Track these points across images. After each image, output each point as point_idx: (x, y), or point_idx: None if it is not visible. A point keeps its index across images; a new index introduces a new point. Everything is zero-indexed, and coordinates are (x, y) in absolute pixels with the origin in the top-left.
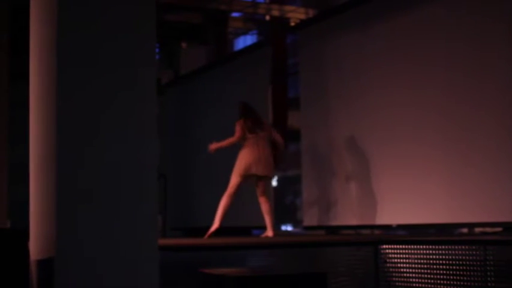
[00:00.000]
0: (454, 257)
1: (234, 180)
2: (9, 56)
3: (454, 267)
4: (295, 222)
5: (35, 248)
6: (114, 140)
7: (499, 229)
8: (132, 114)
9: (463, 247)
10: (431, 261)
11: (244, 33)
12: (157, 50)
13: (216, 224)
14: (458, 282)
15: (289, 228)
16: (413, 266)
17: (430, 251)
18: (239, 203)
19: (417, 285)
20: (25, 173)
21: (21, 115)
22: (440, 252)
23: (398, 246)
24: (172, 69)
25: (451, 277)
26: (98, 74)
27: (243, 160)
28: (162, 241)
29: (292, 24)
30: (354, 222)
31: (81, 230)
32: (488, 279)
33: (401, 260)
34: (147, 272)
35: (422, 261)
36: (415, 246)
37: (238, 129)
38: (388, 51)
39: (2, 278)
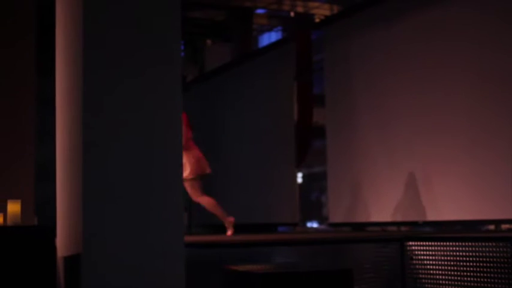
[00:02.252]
0: (480, 254)
1: (197, 183)
2: (35, 54)
3: (481, 264)
4: (321, 219)
5: (62, 244)
6: (140, 137)
7: None
8: (157, 112)
9: (490, 244)
10: (457, 258)
11: (269, 29)
12: (182, 47)
13: (229, 217)
14: (485, 279)
15: (314, 224)
16: (439, 262)
17: (457, 248)
18: (265, 200)
19: (443, 282)
20: (52, 171)
21: (48, 113)
22: (466, 249)
23: (424, 243)
24: (197, 66)
25: (478, 274)
26: (124, 72)
27: (201, 160)
28: (188, 238)
29: (317, 20)
30: (379, 218)
31: (107, 227)
32: None
33: (428, 257)
34: (173, 269)
35: (448, 258)
36: (442, 243)
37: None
38: (416, 48)
39: (29, 274)
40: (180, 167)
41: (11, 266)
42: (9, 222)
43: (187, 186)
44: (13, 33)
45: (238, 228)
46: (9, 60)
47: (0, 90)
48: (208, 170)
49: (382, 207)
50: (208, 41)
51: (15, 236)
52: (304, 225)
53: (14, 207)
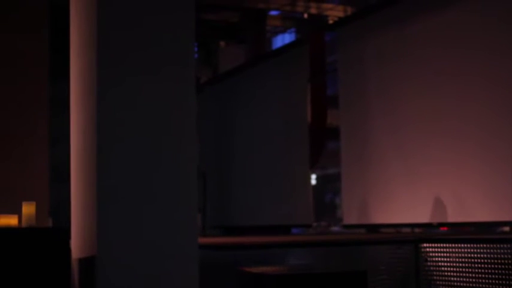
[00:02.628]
0: (495, 256)
1: None
2: (49, 54)
3: (496, 266)
4: (335, 221)
5: (77, 246)
6: (154, 139)
7: None
8: (171, 113)
9: (505, 245)
10: (472, 260)
11: (282, 31)
12: (196, 49)
13: None
14: (500, 281)
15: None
16: (454, 264)
17: (472, 250)
18: (279, 202)
19: (458, 284)
20: (66, 172)
21: (62, 115)
22: (481, 250)
23: (439, 245)
24: (211, 67)
25: (492, 276)
26: (138, 73)
27: None
28: (202, 239)
29: (331, 22)
30: (394, 220)
31: (121, 229)
32: None
33: (442, 259)
34: (187, 271)
35: (463, 259)
36: (456, 245)
37: None
38: (430, 50)
39: (44, 276)
40: (194, 168)
41: (26, 268)
42: (24, 224)
43: None
44: (27, 36)
45: (252, 230)
46: (24, 63)
47: (15, 92)
48: None
49: (396, 208)
50: (222, 43)
51: (30, 237)
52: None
53: (28, 209)
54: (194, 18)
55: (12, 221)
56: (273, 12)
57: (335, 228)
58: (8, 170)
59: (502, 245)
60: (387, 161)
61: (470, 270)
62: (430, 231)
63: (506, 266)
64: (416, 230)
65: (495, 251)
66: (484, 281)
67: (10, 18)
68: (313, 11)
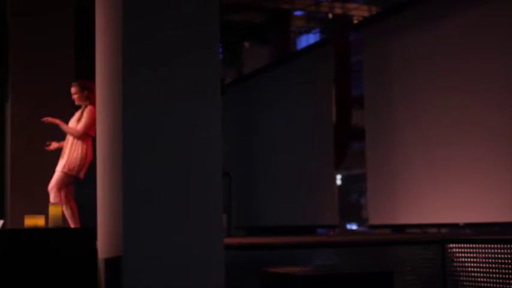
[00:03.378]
0: None
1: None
2: (75, 59)
3: None
4: (360, 221)
5: (103, 246)
6: (179, 140)
7: None
8: (196, 114)
9: None
10: (499, 261)
11: (307, 31)
12: (220, 50)
13: None
14: None
15: (354, 227)
16: (481, 265)
17: (498, 250)
18: (304, 202)
19: (485, 285)
20: (92, 173)
21: None
22: (508, 251)
23: (466, 245)
24: (236, 68)
25: None
26: (163, 75)
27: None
28: (227, 240)
29: (355, 22)
30: (420, 220)
31: (147, 229)
32: None
33: (469, 259)
34: (213, 271)
35: (490, 260)
36: (483, 245)
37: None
38: (456, 50)
39: (71, 276)
40: (219, 169)
41: (53, 268)
42: (50, 225)
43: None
44: (53, 39)
45: (277, 230)
46: (50, 66)
47: (41, 94)
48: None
49: (422, 208)
50: (247, 44)
51: (57, 238)
52: (344, 227)
53: (55, 210)
54: (219, 19)
55: (39, 221)
56: (298, 13)
57: (361, 229)
58: (36, 172)
59: None
60: (413, 161)
61: (497, 270)
62: (457, 232)
63: None
64: (443, 230)
65: None
66: (511, 281)
67: (37, 25)
68: (338, 11)
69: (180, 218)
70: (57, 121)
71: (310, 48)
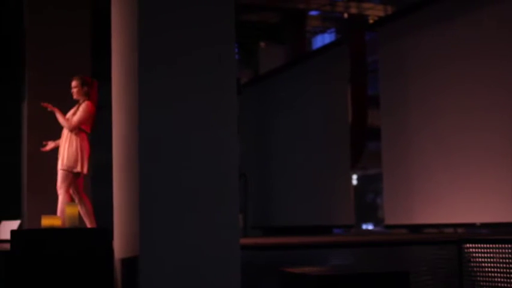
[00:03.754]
0: None
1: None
2: (91, 58)
3: None
4: (376, 221)
5: (119, 246)
6: (195, 140)
7: None
8: (212, 114)
9: None
10: None
11: (322, 31)
12: (236, 50)
13: None
14: None
15: (370, 227)
16: (498, 265)
17: None
18: (320, 202)
19: (502, 285)
20: (108, 173)
21: (104, 117)
22: None
23: (482, 245)
24: (251, 68)
25: None
26: (179, 75)
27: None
28: (243, 240)
29: (371, 21)
30: (436, 220)
31: (163, 229)
32: None
33: (486, 259)
34: (229, 271)
35: (507, 260)
36: (500, 245)
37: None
38: (473, 49)
39: (87, 276)
40: (235, 169)
41: (69, 268)
42: (67, 225)
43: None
44: (69, 38)
45: (293, 231)
46: (66, 65)
47: (58, 94)
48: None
49: (439, 208)
50: (262, 44)
51: (74, 238)
52: (360, 227)
53: (71, 210)
54: (234, 19)
55: (56, 221)
56: (313, 13)
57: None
58: (52, 172)
59: None
60: (429, 161)
61: None
62: (473, 232)
63: None
64: (459, 230)
65: None
66: None
67: (54, 25)
68: (353, 10)
69: (196, 218)
70: (55, 109)
71: (326, 48)
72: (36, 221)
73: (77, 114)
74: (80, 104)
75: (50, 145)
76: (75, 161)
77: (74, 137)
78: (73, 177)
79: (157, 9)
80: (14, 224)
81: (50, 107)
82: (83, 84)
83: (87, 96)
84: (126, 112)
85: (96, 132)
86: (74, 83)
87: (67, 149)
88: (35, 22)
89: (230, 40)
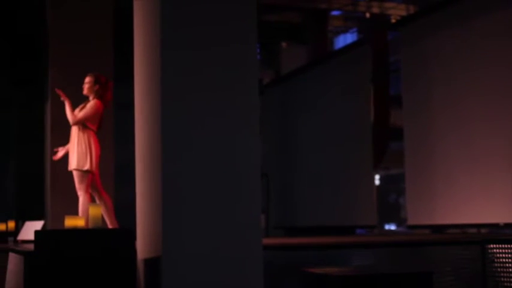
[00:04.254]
0: None
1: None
2: (113, 58)
3: None
4: (399, 221)
5: (142, 247)
6: (217, 140)
7: None
8: (235, 114)
9: None
10: None
11: (344, 31)
12: (258, 50)
13: None
14: None
15: (392, 227)
16: None
17: None
18: (342, 202)
19: None
20: (131, 174)
21: (126, 117)
22: None
23: (506, 246)
24: (273, 69)
25: None
26: (201, 75)
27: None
28: (266, 240)
29: (393, 21)
30: (459, 220)
31: (186, 230)
32: None
33: (510, 260)
34: (252, 271)
35: None
36: None
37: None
38: (496, 48)
39: (110, 276)
40: (257, 170)
41: (92, 268)
42: (90, 226)
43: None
44: (92, 38)
45: (315, 231)
46: (89, 65)
47: (80, 94)
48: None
49: (462, 208)
50: (284, 44)
51: (97, 238)
52: (382, 227)
53: (95, 211)
54: (256, 19)
55: (79, 222)
56: (335, 12)
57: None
58: None
59: None
60: (452, 161)
61: None
62: (497, 232)
63: None
64: (483, 230)
65: None
66: None
67: (76, 25)
68: (375, 10)
69: (219, 219)
70: (66, 99)
71: (348, 48)
72: (59, 221)
73: (83, 110)
74: (88, 101)
75: (61, 152)
76: (84, 160)
77: (81, 136)
78: (85, 176)
79: (180, 9)
80: (38, 225)
81: (62, 96)
82: (95, 82)
83: (97, 94)
84: (149, 112)
85: (118, 132)
86: (87, 79)
87: (76, 149)
88: (57, 21)
89: (252, 40)
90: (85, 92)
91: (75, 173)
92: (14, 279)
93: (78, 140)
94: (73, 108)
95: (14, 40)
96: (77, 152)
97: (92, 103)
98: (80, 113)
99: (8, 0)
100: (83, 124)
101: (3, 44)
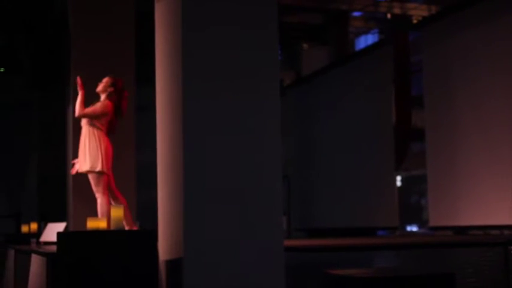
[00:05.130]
0: None
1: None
2: (135, 61)
3: None
4: (421, 223)
5: (164, 248)
6: (238, 142)
7: None
8: (256, 116)
9: None
10: None
11: (365, 32)
12: (279, 52)
13: None
14: None
15: (414, 228)
16: None
17: None
18: (364, 204)
19: None
20: (152, 176)
21: (148, 119)
22: None
23: None
24: (294, 70)
25: None
26: (222, 77)
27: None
28: (287, 242)
29: (415, 21)
30: (482, 222)
31: (208, 231)
32: None
33: None
34: (273, 273)
35: None
36: None
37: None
38: None
39: (132, 277)
40: (278, 172)
41: (114, 270)
42: (112, 227)
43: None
44: (114, 41)
45: (336, 232)
46: (110, 69)
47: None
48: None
49: (485, 210)
50: (305, 45)
51: (119, 240)
52: (404, 229)
53: (117, 212)
54: (277, 21)
55: (101, 224)
56: (356, 13)
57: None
58: None
59: None
60: (475, 162)
61: None
62: None
63: None
64: (506, 232)
65: None
66: None
67: (98, 27)
68: (397, 11)
69: (240, 220)
70: (82, 91)
71: (369, 48)
72: (81, 223)
73: (92, 106)
74: (98, 100)
75: (77, 165)
76: (97, 161)
77: (92, 138)
78: (100, 177)
79: (200, 14)
80: (60, 226)
81: (79, 86)
82: (112, 84)
83: (110, 96)
84: (170, 114)
85: (139, 133)
86: (105, 79)
87: (88, 151)
88: (79, 24)
89: (274, 42)
90: (98, 89)
91: (90, 176)
92: (36, 280)
93: (89, 141)
94: (85, 105)
95: (36, 42)
96: (89, 154)
97: (102, 102)
98: (87, 108)
99: (31, 4)
100: (91, 123)
101: (25, 46)
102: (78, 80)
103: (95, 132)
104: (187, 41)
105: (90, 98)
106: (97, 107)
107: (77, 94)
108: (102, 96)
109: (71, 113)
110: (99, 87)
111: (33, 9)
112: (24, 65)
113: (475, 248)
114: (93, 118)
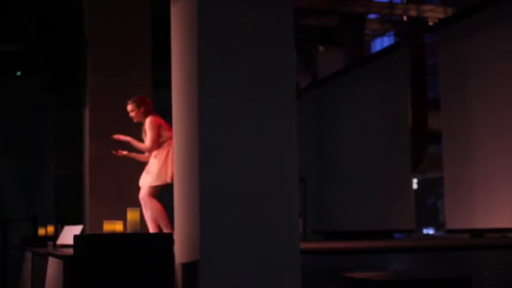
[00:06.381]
0: None
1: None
2: (151, 65)
3: None
4: (438, 226)
5: (180, 251)
6: (254, 145)
7: None
8: (272, 119)
9: None
10: None
11: (381, 34)
12: (295, 54)
13: None
14: None
15: (431, 231)
16: None
17: None
18: (380, 207)
19: None
20: None
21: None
22: None
23: None
24: (310, 73)
25: None
26: (238, 80)
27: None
28: (303, 245)
29: (431, 24)
30: (499, 224)
31: (224, 234)
32: None
33: None
34: (290, 276)
35: None
36: None
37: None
38: None
39: (148, 281)
40: (295, 174)
41: (130, 273)
42: (128, 230)
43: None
44: (130, 44)
45: (352, 235)
46: (127, 73)
47: (119, 100)
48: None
49: (502, 212)
50: (321, 48)
51: (135, 243)
52: (420, 231)
53: (133, 215)
54: (293, 23)
55: (117, 226)
56: (372, 16)
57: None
58: (114, 177)
59: None
60: (491, 165)
61: None
62: None
63: None
64: None
65: None
66: None
67: (114, 30)
68: (413, 13)
69: (256, 223)
70: (128, 138)
71: (385, 51)
72: (98, 226)
73: (147, 136)
74: (144, 124)
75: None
76: (165, 174)
77: (159, 152)
78: (160, 188)
79: (217, 14)
80: (77, 229)
81: (122, 139)
82: (138, 105)
83: (147, 113)
84: (186, 119)
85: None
86: (129, 107)
87: (156, 165)
88: (95, 28)
89: (289, 44)
90: (135, 120)
91: (149, 187)
92: (53, 283)
93: (155, 156)
94: (137, 139)
95: (53, 46)
96: (157, 167)
97: (148, 123)
98: (147, 140)
99: (47, 7)
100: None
101: (41, 49)
102: (118, 137)
103: (161, 145)
104: (202, 43)
105: (110, 103)
106: (150, 131)
107: (93, 97)
108: (143, 120)
109: (88, 115)
110: (135, 118)
111: (49, 12)
112: (40, 68)
113: (492, 251)
114: (158, 141)
